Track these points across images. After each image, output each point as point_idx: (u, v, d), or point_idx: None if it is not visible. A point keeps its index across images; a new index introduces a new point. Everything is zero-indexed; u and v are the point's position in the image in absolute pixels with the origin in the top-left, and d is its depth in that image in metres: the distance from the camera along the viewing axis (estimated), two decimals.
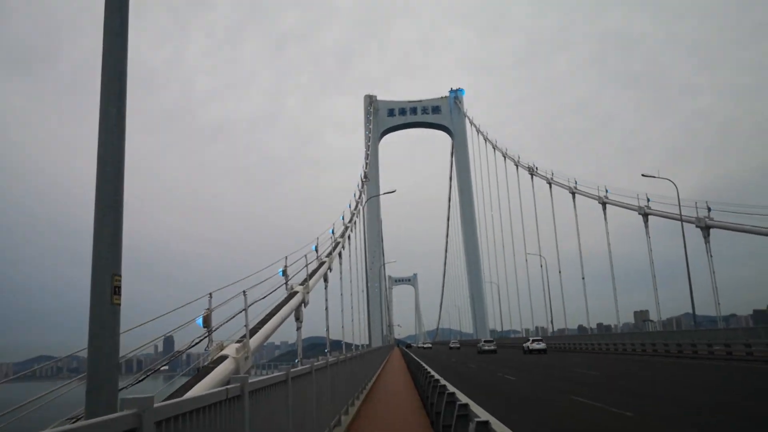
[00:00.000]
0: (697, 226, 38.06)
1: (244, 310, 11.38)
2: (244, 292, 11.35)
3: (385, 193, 45.52)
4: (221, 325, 11.29)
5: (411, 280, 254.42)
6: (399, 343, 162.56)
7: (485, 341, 67.26)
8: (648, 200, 44.97)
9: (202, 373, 10.03)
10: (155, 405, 2.82)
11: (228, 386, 4.01)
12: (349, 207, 50.74)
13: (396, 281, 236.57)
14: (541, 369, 31.68)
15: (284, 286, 18.73)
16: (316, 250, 26.55)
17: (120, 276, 3.97)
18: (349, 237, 43.36)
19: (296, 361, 19.50)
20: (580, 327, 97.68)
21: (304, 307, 19.41)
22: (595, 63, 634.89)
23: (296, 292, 18.91)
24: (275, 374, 6.68)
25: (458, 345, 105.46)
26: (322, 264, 26.50)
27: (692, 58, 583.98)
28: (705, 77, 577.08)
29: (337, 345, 43.31)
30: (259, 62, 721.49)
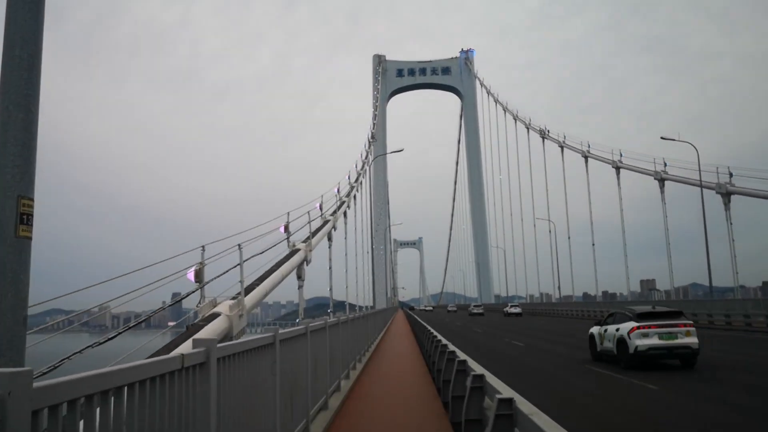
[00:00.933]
0: (717, 192, 36.66)
1: (239, 264, 10.41)
2: (239, 245, 10.37)
3: (392, 152, 44.29)
4: (213, 279, 10.35)
5: (416, 244, 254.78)
6: (403, 305, 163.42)
7: (474, 305, 78.70)
8: (665, 165, 43.56)
9: (190, 331, 9.12)
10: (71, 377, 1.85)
11: (185, 352, 2.98)
12: (356, 167, 49.60)
13: (401, 244, 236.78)
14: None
15: (285, 243, 17.85)
16: (320, 208, 25.58)
17: (32, 200, 2.90)
18: (354, 197, 42.34)
19: (297, 320, 18.72)
20: (585, 294, 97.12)
21: (306, 265, 18.49)
22: (612, 27, 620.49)
23: (298, 250, 17.95)
24: (258, 336, 5.55)
25: (455, 309, 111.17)
26: (326, 222, 25.53)
27: (712, 24, 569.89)
28: (724, 43, 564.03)
29: (341, 306, 42.85)
30: (268, 22, 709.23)
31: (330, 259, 26.79)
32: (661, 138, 37.20)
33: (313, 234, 21.02)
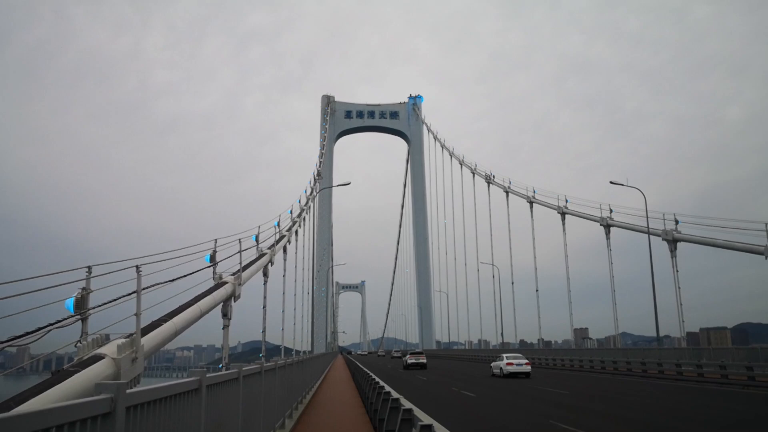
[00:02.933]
0: (663, 239, 36.51)
1: (135, 292, 8.14)
2: (137, 267, 8.13)
3: (339, 185, 42.42)
4: (96, 309, 8.03)
5: (358, 287, 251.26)
6: (342, 350, 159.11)
7: (411, 353, 62.34)
8: (611, 211, 43.47)
9: (56, 378, 6.76)
10: None
11: None
12: (299, 202, 47.45)
13: (343, 287, 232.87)
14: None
15: (208, 273, 15.51)
16: (256, 240, 23.29)
17: None
18: (296, 232, 40.08)
19: (220, 366, 16.23)
20: (521, 342, 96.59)
21: (234, 301, 16.14)
22: (554, 83, 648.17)
23: (225, 283, 15.62)
24: (162, 385, 4.21)
25: (399, 354, 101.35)
26: (262, 256, 23.20)
27: (645, 86, 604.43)
28: (655, 105, 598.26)
29: (278, 350, 39.84)
30: (220, 60, 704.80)
31: (264, 297, 24.38)
32: (611, 182, 37.06)
33: (246, 267, 18.74)
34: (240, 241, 16.60)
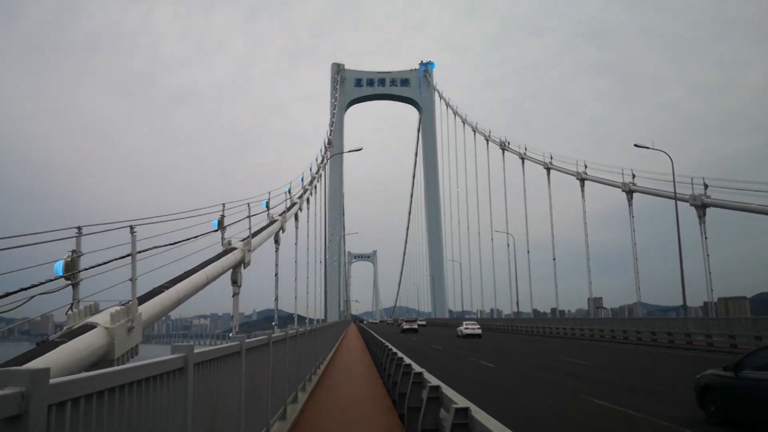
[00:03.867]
0: (691, 204, 35.17)
1: (129, 255, 7.31)
2: (131, 228, 7.28)
3: (350, 151, 41.58)
4: (87, 270, 7.22)
5: (370, 257, 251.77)
6: (355, 318, 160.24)
7: (406, 320, 78.31)
8: (633, 176, 42.07)
9: (39, 349, 5.98)
10: None
11: None
12: (310, 170, 46.48)
13: (355, 257, 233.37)
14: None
15: (219, 240, 14.73)
16: (267, 207, 22.46)
17: None
18: (308, 200, 39.23)
19: (230, 335, 15.56)
20: (535, 311, 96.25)
21: (244, 268, 15.36)
22: (567, 50, 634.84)
23: (234, 248, 14.82)
24: (157, 360, 3.64)
25: (415, 326, 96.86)
26: (272, 222, 22.39)
27: (663, 51, 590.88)
28: (673, 71, 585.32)
29: (292, 319, 39.42)
30: (230, 31, 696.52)
31: (276, 265, 23.63)
32: (635, 145, 35.57)
33: (256, 233, 17.94)
34: (249, 206, 15.75)
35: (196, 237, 10.64)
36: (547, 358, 26.79)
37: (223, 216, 14.76)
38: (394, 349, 14.92)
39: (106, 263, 7.33)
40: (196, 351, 4.09)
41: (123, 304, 7.43)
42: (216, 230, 13.37)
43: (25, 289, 6.56)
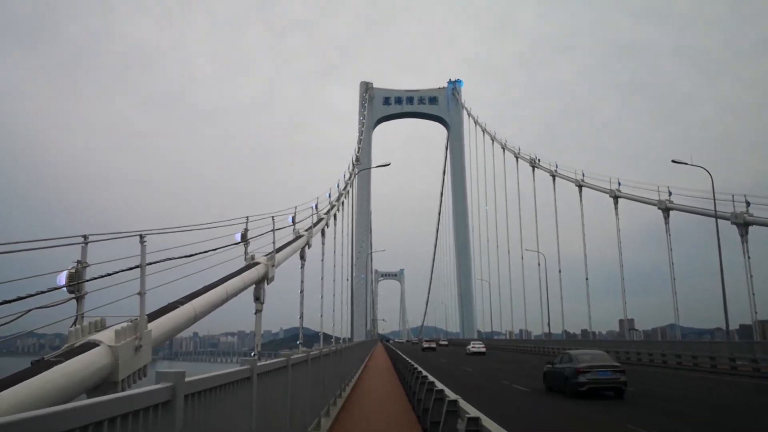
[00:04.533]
0: (733, 223, 33.61)
1: (138, 266, 6.72)
2: (140, 236, 6.69)
3: (378, 166, 40.98)
4: (91, 280, 6.63)
5: (397, 276, 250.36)
6: (382, 338, 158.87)
7: (425, 340, 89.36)
8: (670, 193, 40.53)
9: (34, 368, 5.38)
10: None
11: None
12: (338, 186, 46.08)
13: (382, 275, 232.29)
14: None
15: (242, 253, 14.17)
16: (293, 221, 21.92)
17: None
18: (335, 216, 38.71)
19: (253, 354, 14.91)
20: (566, 332, 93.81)
21: (267, 284, 14.74)
22: (598, 69, 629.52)
23: (257, 263, 14.24)
24: (136, 392, 3.07)
25: (434, 345, 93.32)
26: (298, 238, 21.83)
27: (695, 70, 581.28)
28: (706, 89, 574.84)
29: (318, 337, 38.72)
30: (259, 50, 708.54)
31: (302, 281, 23.01)
32: (673, 161, 34.32)
33: (281, 248, 17.37)
34: (273, 219, 15.17)
35: (215, 250, 10.02)
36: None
37: (246, 229, 14.22)
38: (420, 368, 14.44)
39: (110, 275, 6.73)
40: (188, 379, 3.33)
41: (131, 321, 6.82)
42: (238, 243, 12.76)
43: (22, 298, 5.98)
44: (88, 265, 6.76)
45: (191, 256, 8.71)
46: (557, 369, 20.51)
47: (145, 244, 6.72)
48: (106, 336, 6.31)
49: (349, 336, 45.45)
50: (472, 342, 64.54)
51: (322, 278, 31.71)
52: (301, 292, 23.20)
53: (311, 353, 8.81)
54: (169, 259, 7.83)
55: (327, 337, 42.67)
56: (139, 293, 6.69)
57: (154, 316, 7.78)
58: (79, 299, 6.74)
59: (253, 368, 4.61)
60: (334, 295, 40.93)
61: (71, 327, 6.70)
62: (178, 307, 8.59)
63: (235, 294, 11.71)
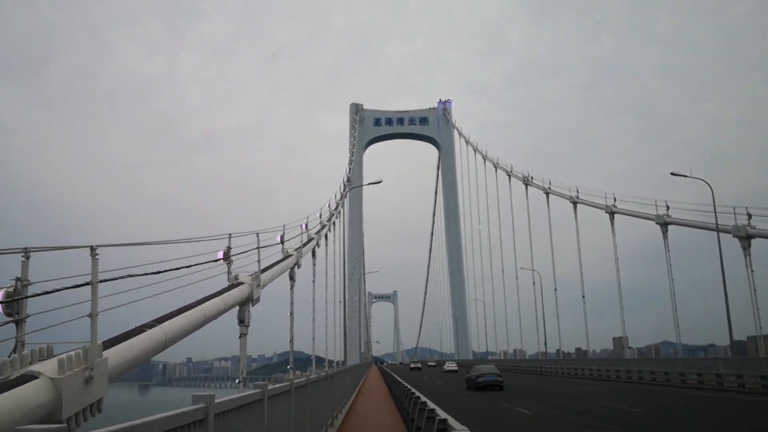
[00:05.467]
0: (735, 236, 32.86)
1: (88, 283, 5.75)
2: (91, 249, 5.74)
3: (370, 183, 40.14)
4: (29, 297, 5.67)
5: (391, 297, 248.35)
6: (376, 360, 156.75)
7: (413, 362, 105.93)
8: (668, 207, 39.84)
9: None
10: None
11: None
12: (329, 207, 45.13)
13: (375, 297, 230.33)
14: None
15: (226, 273, 13.20)
16: (281, 240, 20.97)
17: None
18: (326, 237, 37.75)
19: (237, 381, 13.87)
20: (558, 351, 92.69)
21: (252, 305, 13.73)
22: (585, 89, 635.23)
23: (241, 283, 13.24)
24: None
25: (419, 365, 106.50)
26: (288, 257, 20.85)
27: (680, 89, 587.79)
28: (693, 107, 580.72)
29: (318, 361, 37.45)
30: (250, 76, 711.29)
31: (291, 303, 21.98)
32: (672, 174, 33.61)
33: (268, 268, 16.39)
34: (258, 235, 14.21)
35: (188, 267, 9.02)
36: (596, 404, 24.46)
37: (229, 247, 13.26)
38: (412, 388, 13.53)
39: (52, 292, 5.76)
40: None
41: (82, 348, 5.83)
42: (217, 260, 11.76)
43: None
44: (30, 283, 5.80)
45: (158, 273, 7.71)
46: (470, 376, 36.34)
47: (97, 258, 5.76)
48: (47, 367, 5.32)
49: (343, 359, 44.14)
50: (447, 362, 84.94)
51: (313, 300, 30.67)
52: (291, 314, 22.15)
53: (295, 382, 7.77)
54: (129, 276, 6.84)
55: (321, 361, 41.40)
56: (90, 315, 5.71)
57: (115, 341, 6.80)
58: (19, 323, 5.76)
59: (209, 406, 3.62)
60: (326, 317, 39.81)
61: (10, 355, 5.72)
62: (144, 331, 7.59)
63: (215, 316, 10.70)
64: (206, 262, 10.05)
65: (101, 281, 5.90)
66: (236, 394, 4.52)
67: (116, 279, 6.57)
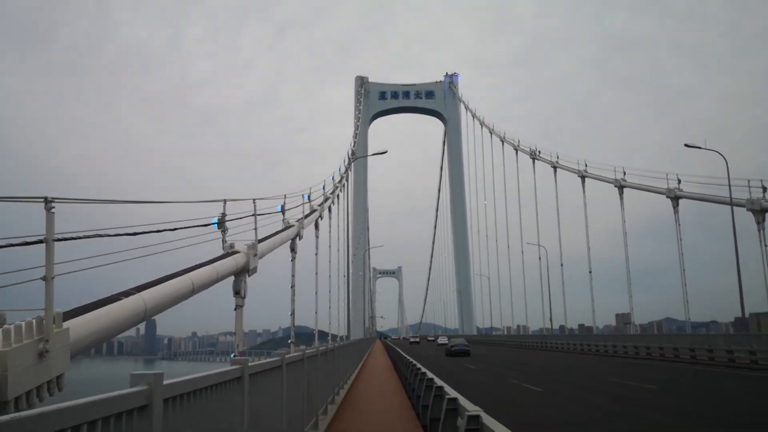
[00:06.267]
0: (748, 209, 31.81)
1: (42, 241, 4.91)
2: (46, 200, 4.89)
3: (375, 154, 39.31)
4: None
5: (395, 273, 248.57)
6: (380, 335, 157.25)
7: (412, 336, 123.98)
8: (679, 181, 38.70)
9: None
10: None
11: None
12: (332, 179, 44.16)
13: (380, 273, 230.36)
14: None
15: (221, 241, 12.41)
16: (282, 211, 20.14)
17: None
18: (330, 209, 36.90)
19: (233, 355, 13.13)
20: (561, 327, 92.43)
21: (249, 275, 12.95)
22: (595, 64, 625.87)
23: (236, 252, 12.44)
24: None
25: (418, 340, 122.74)
26: (288, 228, 20.03)
27: (692, 64, 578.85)
28: (704, 82, 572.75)
29: (320, 335, 36.96)
30: (258, 49, 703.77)
31: (293, 276, 21.22)
32: (685, 145, 32.49)
33: (267, 238, 15.59)
34: (254, 202, 13.38)
35: (173, 230, 8.16)
36: (605, 381, 23.81)
37: (224, 213, 12.44)
38: (418, 364, 12.81)
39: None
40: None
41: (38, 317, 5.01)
42: (206, 224, 10.93)
43: None
44: None
45: (134, 234, 6.84)
46: (447, 346, 50.22)
47: (53, 211, 4.92)
48: None
49: (346, 334, 43.67)
50: (439, 337, 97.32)
51: (316, 273, 29.93)
52: (292, 287, 21.41)
53: (287, 357, 6.96)
54: (98, 235, 5.99)
55: (324, 335, 40.88)
56: (44, 278, 4.89)
57: (83, 310, 6.00)
58: None
59: (151, 389, 2.75)
60: (330, 291, 39.17)
61: None
62: (121, 299, 6.78)
63: (206, 286, 9.90)
64: (194, 227, 9.17)
65: (58, 239, 5.06)
66: (203, 373, 3.70)
67: (80, 238, 5.71)
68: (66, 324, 5.27)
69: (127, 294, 6.97)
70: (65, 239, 5.35)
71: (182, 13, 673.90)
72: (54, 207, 4.94)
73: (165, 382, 2.91)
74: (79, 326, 5.57)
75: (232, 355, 13.32)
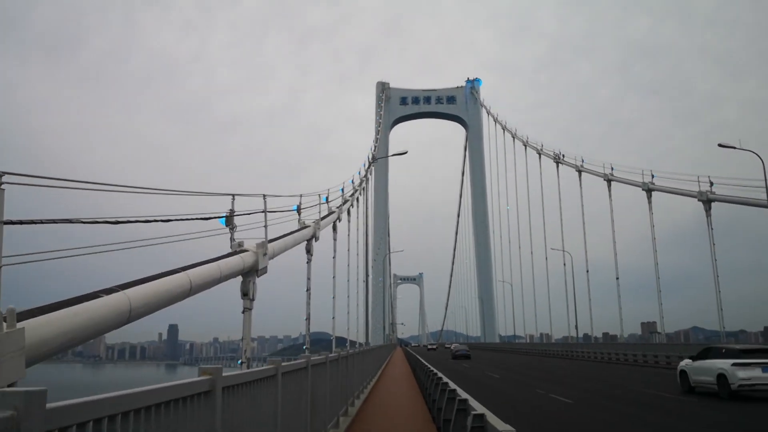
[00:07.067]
0: None
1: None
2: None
3: (395, 154, 38.53)
4: None
5: (416, 279, 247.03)
6: (402, 342, 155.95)
7: (430, 344, 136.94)
8: (711, 184, 37.09)
9: None
10: None
11: None
12: (352, 183, 43.39)
13: (401, 279, 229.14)
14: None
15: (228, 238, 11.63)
16: (298, 211, 19.36)
17: None
18: (348, 212, 36.14)
19: (240, 362, 12.35)
20: (585, 336, 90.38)
21: (258, 276, 12.13)
22: (619, 70, 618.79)
23: (245, 251, 11.64)
24: None
25: (435, 347, 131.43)
26: (304, 228, 19.23)
27: (717, 70, 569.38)
28: (728, 89, 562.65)
29: (339, 342, 36.14)
30: (281, 57, 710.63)
31: (308, 279, 20.42)
32: (719, 145, 31.10)
33: (278, 238, 14.79)
34: (264, 197, 12.60)
35: (166, 221, 7.37)
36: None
37: (232, 209, 11.67)
38: (435, 369, 12.00)
39: None
40: None
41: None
42: (208, 218, 10.15)
43: None
44: None
45: (117, 223, 6.03)
46: (452, 351, 62.53)
47: (3, 189, 4.13)
48: None
49: (366, 340, 42.76)
50: (453, 344, 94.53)
51: (333, 277, 29.18)
52: (308, 290, 20.60)
53: (282, 366, 6.06)
54: (69, 220, 5.19)
55: (343, 342, 40.02)
56: None
57: (48, 309, 5.20)
58: None
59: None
60: (348, 296, 38.37)
61: None
62: (100, 297, 5.98)
63: (207, 285, 9.07)
64: (191, 219, 8.35)
65: (8, 222, 4.28)
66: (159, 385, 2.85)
67: (35, 222, 4.91)
68: (22, 324, 4.47)
69: (109, 291, 6.16)
70: (18, 222, 4.56)
71: (206, 24, 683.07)
72: (4, 186, 4.16)
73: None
74: (40, 327, 4.77)
75: (239, 362, 12.55)
